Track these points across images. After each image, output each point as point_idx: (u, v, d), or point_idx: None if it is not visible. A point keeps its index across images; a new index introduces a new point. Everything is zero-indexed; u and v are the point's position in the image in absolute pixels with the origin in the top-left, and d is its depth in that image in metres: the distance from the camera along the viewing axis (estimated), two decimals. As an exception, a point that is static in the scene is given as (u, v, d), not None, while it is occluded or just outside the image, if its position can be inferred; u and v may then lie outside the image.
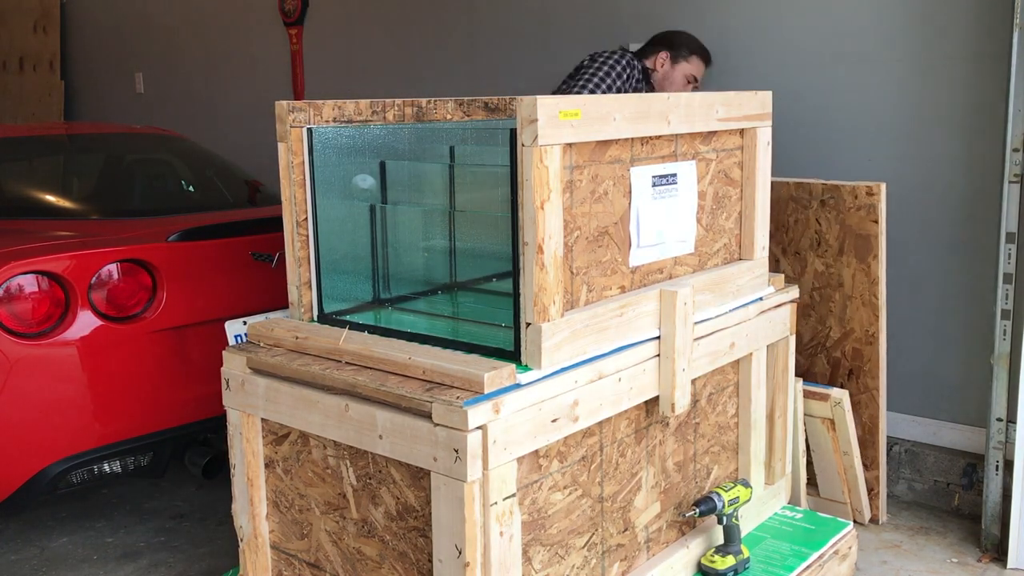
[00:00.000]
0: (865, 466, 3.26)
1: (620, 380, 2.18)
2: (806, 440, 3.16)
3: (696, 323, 2.38)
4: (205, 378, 3.06)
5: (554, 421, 2.02)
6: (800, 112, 3.59)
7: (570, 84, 3.48)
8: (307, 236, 2.39)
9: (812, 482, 3.24)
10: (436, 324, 2.36)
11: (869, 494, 3.27)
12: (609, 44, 4.20)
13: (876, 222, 3.12)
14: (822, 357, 3.31)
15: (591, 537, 2.24)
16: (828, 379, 3.30)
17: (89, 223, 3.39)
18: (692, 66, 3.61)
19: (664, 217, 2.33)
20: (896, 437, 3.51)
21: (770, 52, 3.71)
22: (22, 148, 4.04)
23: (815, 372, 3.33)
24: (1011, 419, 3.02)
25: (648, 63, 3.61)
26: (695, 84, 3.63)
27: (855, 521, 3.18)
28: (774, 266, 3.30)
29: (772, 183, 3.10)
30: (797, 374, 3.12)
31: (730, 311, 2.55)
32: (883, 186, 3.10)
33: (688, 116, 2.33)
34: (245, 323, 2.95)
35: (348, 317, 2.39)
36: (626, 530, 2.35)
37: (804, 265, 3.29)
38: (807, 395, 3.10)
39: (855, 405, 3.23)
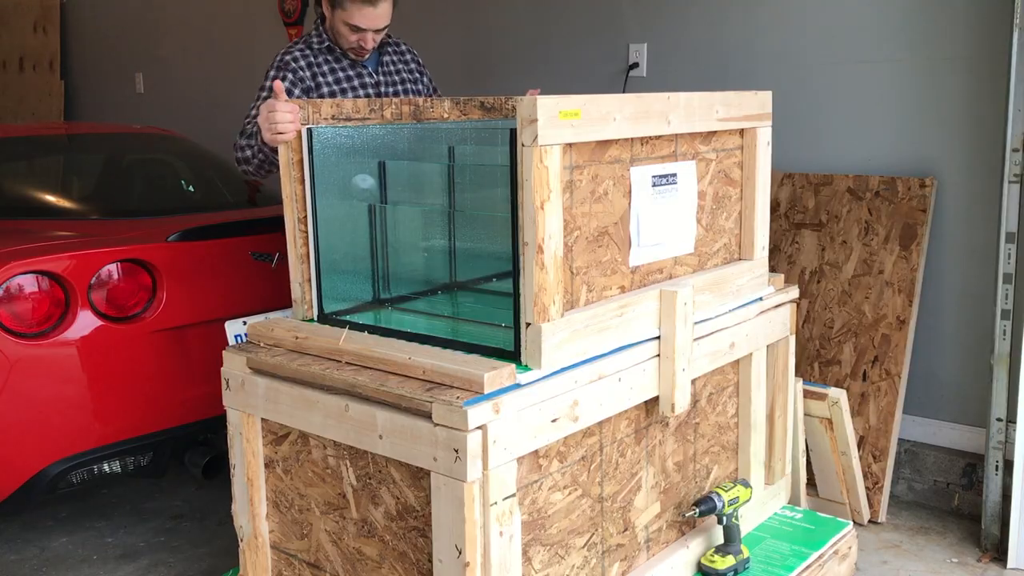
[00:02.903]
0: (874, 457, 3.28)
1: (620, 380, 2.18)
2: (805, 440, 3.16)
3: (696, 323, 2.38)
4: (205, 378, 3.06)
5: (554, 421, 2.02)
6: (799, 112, 3.59)
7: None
8: (307, 234, 2.39)
9: (811, 482, 3.24)
10: (436, 324, 2.36)
11: (873, 487, 3.28)
12: (609, 43, 4.20)
13: (924, 211, 3.29)
14: (849, 345, 3.41)
15: (591, 537, 2.24)
16: (852, 367, 3.38)
17: (89, 223, 3.39)
18: (347, 12, 2.84)
19: (664, 217, 2.33)
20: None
21: (770, 52, 3.71)
22: (22, 148, 4.04)
23: (840, 360, 3.42)
24: (1011, 419, 3.02)
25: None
26: (361, 35, 2.90)
27: (854, 521, 3.18)
28: (819, 254, 3.50)
29: (831, 176, 3.50)
30: (821, 363, 3.22)
31: (730, 311, 2.55)
32: (935, 179, 3.32)
33: (688, 116, 2.33)
34: (245, 323, 2.94)
35: (348, 317, 2.39)
36: (626, 530, 2.35)
37: (849, 253, 3.45)
38: (805, 395, 3.10)
39: (873, 395, 3.30)
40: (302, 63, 2.93)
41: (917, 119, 3.41)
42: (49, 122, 7.13)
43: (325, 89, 2.95)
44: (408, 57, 3.26)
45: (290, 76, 2.90)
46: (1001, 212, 3.01)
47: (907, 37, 3.39)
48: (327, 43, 2.99)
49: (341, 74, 3.00)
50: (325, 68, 2.97)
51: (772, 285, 2.76)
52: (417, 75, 3.27)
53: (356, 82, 3.02)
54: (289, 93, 2.84)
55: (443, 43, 4.86)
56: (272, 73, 2.92)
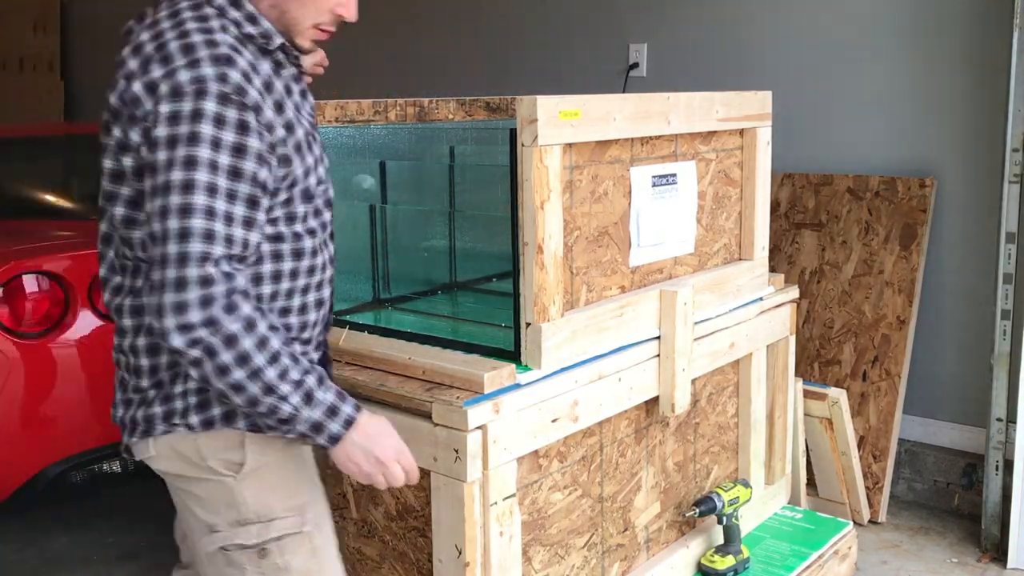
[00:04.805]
0: (874, 457, 3.28)
1: (620, 380, 2.18)
2: (805, 440, 3.16)
3: (696, 323, 2.38)
4: (205, 378, 3.05)
5: (554, 421, 2.02)
6: (799, 112, 3.59)
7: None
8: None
9: (811, 482, 3.24)
10: (436, 324, 2.36)
11: (873, 487, 3.28)
12: (609, 43, 4.20)
13: (924, 211, 3.29)
14: (849, 345, 3.41)
15: (591, 537, 2.24)
16: (852, 367, 3.38)
17: (89, 223, 3.37)
18: None
19: (664, 217, 2.33)
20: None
21: (770, 52, 3.71)
22: (22, 148, 4.03)
23: (840, 360, 3.42)
24: (1011, 419, 3.02)
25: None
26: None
27: (854, 521, 3.18)
28: (819, 254, 3.50)
29: (831, 176, 3.50)
30: (821, 363, 3.23)
31: (730, 311, 2.55)
32: (935, 179, 3.33)
33: (688, 116, 2.33)
34: (245, 323, 2.94)
35: (348, 317, 2.39)
36: (626, 530, 2.35)
37: (849, 254, 3.45)
38: (805, 395, 3.10)
39: (873, 395, 3.30)
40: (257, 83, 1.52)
41: (917, 119, 3.41)
42: (49, 122, 7.13)
43: (287, 133, 1.60)
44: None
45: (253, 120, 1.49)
46: (1001, 212, 3.01)
47: (907, 37, 3.39)
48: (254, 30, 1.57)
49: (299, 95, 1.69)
50: (280, 86, 1.60)
51: (772, 285, 2.76)
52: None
53: (309, 107, 1.75)
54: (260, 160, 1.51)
55: (443, 43, 4.86)
56: (232, 114, 1.45)
